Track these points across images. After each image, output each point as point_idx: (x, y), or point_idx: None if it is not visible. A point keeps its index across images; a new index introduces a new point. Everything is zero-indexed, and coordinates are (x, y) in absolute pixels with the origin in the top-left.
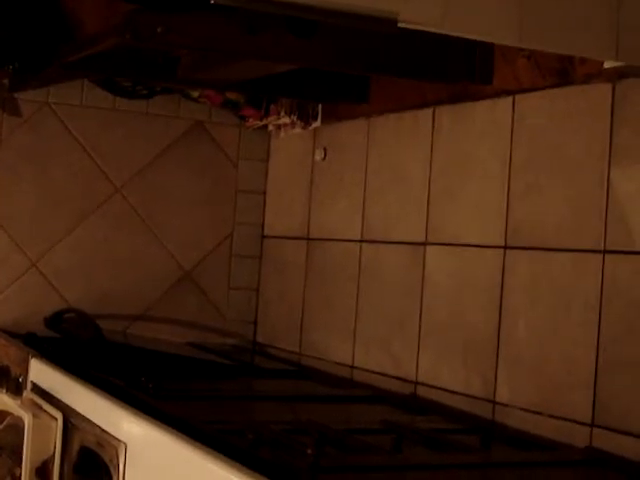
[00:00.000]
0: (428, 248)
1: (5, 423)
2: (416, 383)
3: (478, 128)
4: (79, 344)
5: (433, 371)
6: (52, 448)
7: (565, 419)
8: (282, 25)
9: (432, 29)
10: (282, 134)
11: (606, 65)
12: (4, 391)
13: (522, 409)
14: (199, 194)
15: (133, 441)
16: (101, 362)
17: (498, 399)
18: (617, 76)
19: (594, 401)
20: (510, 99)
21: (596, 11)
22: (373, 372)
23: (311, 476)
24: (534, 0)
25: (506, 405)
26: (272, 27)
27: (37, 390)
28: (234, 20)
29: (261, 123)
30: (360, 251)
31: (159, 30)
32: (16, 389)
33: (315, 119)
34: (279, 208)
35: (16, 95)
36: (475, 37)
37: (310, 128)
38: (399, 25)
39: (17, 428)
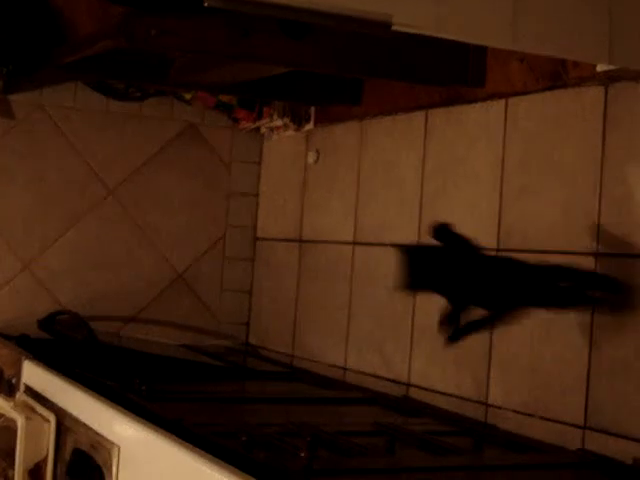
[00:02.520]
0: None
1: None
2: (408, 385)
3: (471, 131)
4: (72, 346)
5: (425, 373)
6: (45, 450)
7: (557, 421)
8: (275, 28)
9: (426, 32)
10: (275, 136)
11: (599, 68)
12: None
13: (514, 411)
14: (192, 196)
15: (126, 443)
16: (94, 364)
17: (490, 401)
18: (609, 79)
19: (586, 403)
20: (503, 102)
21: (589, 15)
22: (365, 374)
23: (304, 479)
24: (528, 4)
25: (498, 407)
26: (265, 30)
27: (30, 392)
28: (227, 23)
29: (254, 125)
30: (353, 253)
31: (153, 33)
32: (9, 391)
33: (308, 121)
34: (272, 210)
35: (9, 97)
36: (469, 40)
37: (303, 130)
38: (393, 28)
39: (10, 430)
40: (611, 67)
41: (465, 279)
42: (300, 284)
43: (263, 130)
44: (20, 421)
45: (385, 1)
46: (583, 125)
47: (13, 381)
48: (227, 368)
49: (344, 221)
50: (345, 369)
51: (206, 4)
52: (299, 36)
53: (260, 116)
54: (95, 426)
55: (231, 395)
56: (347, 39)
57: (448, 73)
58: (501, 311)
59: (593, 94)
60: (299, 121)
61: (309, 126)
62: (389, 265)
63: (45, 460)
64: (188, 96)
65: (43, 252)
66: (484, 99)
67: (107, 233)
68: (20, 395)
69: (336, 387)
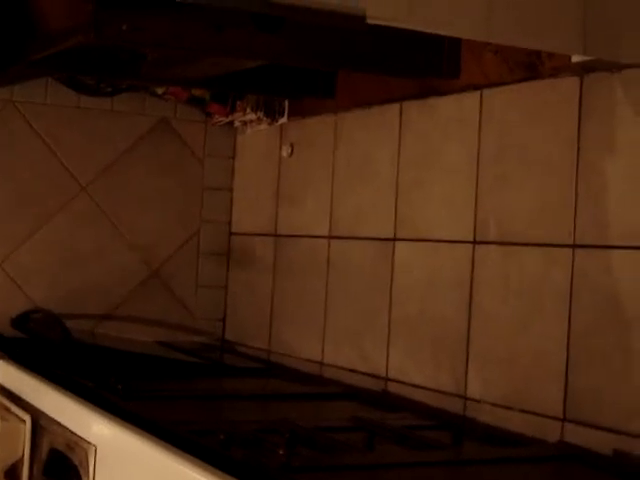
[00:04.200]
0: (397, 244)
1: None
2: (386, 379)
3: (446, 123)
4: (47, 345)
5: (403, 367)
6: (21, 451)
7: (537, 414)
8: (248, 22)
9: (399, 24)
10: (248, 130)
11: (574, 59)
12: None
13: (493, 404)
14: (165, 192)
15: (103, 443)
16: (69, 363)
17: (469, 395)
18: (584, 70)
19: (565, 395)
20: (478, 93)
21: (563, 6)
22: (343, 369)
23: (283, 476)
24: None
25: (477, 400)
26: (238, 24)
27: (5, 392)
28: (200, 17)
29: (227, 119)
30: (329, 247)
31: (124, 28)
32: None
33: (281, 115)
34: (246, 205)
35: None
36: (443, 32)
37: (276, 124)
38: (367, 21)
39: None
40: (586, 58)
41: None
42: (276, 279)
43: (236, 124)
44: None
45: None
46: (559, 116)
47: None
48: (203, 365)
49: (319, 215)
50: (322, 364)
51: None
52: (272, 30)
53: (233, 110)
54: (71, 426)
55: (208, 392)
56: (320, 32)
57: (422, 65)
58: None
59: (568, 85)
60: (273, 115)
61: (283, 120)
62: (365, 259)
63: (21, 460)
64: (160, 91)
65: (15, 250)
66: (459, 91)
67: (80, 230)
68: None
69: (314, 382)
